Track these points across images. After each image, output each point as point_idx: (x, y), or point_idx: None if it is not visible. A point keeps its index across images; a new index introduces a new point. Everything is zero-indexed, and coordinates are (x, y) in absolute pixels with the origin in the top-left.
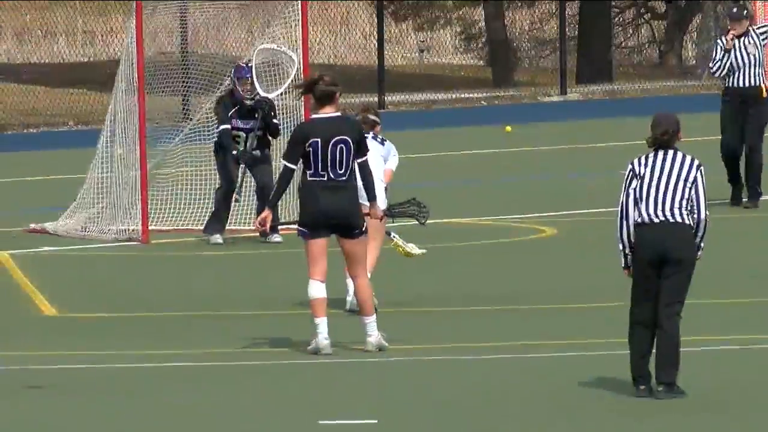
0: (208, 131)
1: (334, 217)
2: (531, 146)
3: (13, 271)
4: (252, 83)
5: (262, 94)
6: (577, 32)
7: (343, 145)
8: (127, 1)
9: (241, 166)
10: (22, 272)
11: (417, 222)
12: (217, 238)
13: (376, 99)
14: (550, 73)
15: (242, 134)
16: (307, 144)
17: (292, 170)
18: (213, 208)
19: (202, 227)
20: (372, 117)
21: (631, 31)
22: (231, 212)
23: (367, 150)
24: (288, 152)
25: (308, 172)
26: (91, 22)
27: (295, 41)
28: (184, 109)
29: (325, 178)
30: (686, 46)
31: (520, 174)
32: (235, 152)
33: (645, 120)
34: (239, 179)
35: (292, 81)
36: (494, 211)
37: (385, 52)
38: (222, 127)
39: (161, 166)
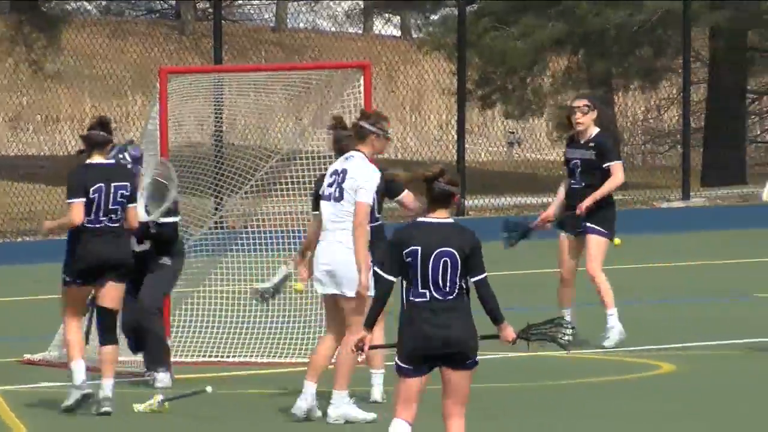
0: (245, 238)
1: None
2: (645, 262)
3: (3, 412)
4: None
5: (143, 215)
6: (703, 123)
7: (447, 259)
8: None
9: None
10: (15, 414)
11: (559, 346)
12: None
13: None
14: (669, 173)
15: None
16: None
17: (392, 284)
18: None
19: (230, 358)
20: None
21: None
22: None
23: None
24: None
25: (410, 290)
26: (103, 106)
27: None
28: (216, 210)
29: (428, 298)
30: None
31: (631, 297)
32: None
33: None
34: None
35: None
36: (599, 340)
37: (466, 145)
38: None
39: (190, 285)
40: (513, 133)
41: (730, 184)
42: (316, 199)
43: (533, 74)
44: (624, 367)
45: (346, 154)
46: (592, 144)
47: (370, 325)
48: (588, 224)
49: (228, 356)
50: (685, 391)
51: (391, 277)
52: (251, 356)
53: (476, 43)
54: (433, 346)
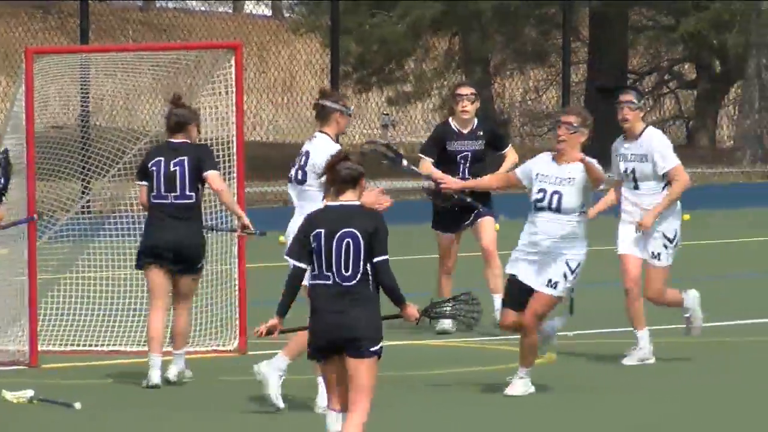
0: (114, 223)
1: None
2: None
3: None
4: None
5: None
6: (583, 104)
7: (350, 240)
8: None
9: None
10: None
11: (463, 325)
12: None
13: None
14: None
15: None
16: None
17: (302, 270)
18: None
19: (99, 347)
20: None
21: (651, 103)
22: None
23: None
24: (291, 247)
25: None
26: None
27: (225, 113)
28: (83, 194)
29: (331, 281)
30: (721, 123)
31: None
32: None
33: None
34: None
35: None
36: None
37: None
38: None
39: (58, 270)
40: (387, 115)
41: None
42: (142, 171)
43: (414, 58)
44: (512, 357)
45: (311, 136)
46: (481, 133)
47: (281, 312)
48: (481, 207)
49: (97, 345)
50: (563, 378)
51: (301, 264)
52: (121, 345)
53: (355, 28)
54: (332, 332)
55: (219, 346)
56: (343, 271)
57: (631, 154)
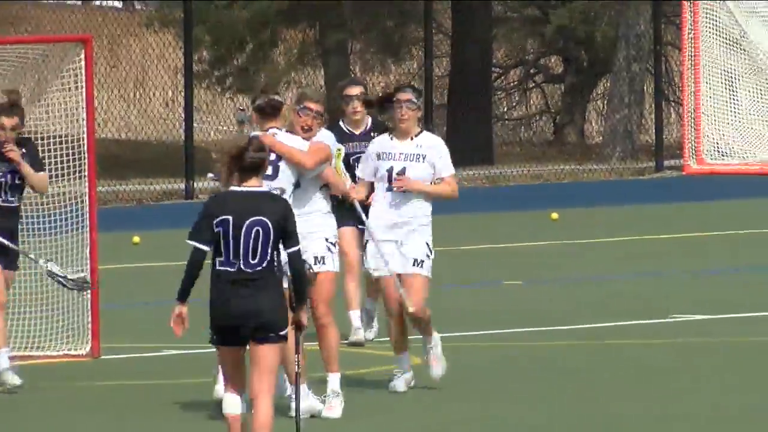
0: None
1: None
2: None
3: None
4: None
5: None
6: (446, 99)
7: (260, 228)
8: None
9: None
10: None
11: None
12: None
13: (182, 186)
14: None
15: None
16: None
17: (202, 252)
18: None
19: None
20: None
21: (517, 98)
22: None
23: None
24: (194, 230)
25: (217, 259)
26: None
27: (75, 109)
28: None
29: (235, 269)
30: (590, 118)
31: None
32: None
33: (535, 214)
34: None
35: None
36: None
37: (194, 124)
38: None
39: None
40: (243, 110)
41: (476, 165)
42: None
43: (265, 49)
44: (376, 359)
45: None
46: (374, 134)
47: (182, 298)
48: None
49: None
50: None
51: (204, 247)
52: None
53: (205, 18)
54: (239, 318)
55: (70, 350)
56: (250, 259)
57: (400, 153)
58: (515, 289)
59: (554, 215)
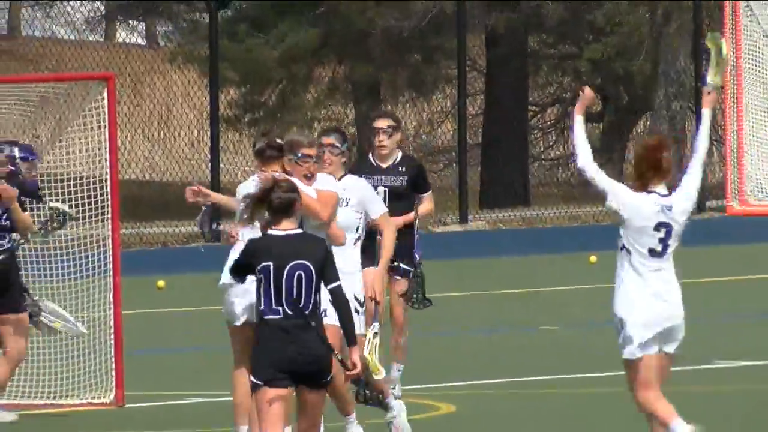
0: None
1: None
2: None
3: None
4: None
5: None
6: (480, 138)
7: (302, 272)
8: None
9: None
10: None
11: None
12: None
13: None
14: (444, 194)
15: None
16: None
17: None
18: None
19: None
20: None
21: (554, 138)
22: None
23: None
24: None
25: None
26: None
27: (97, 149)
28: None
29: (281, 315)
30: (629, 158)
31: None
32: None
33: (575, 256)
34: None
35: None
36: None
37: (221, 165)
38: None
39: None
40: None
41: (512, 206)
42: None
43: (294, 87)
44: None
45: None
46: (403, 169)
47: None
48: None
49: None
50: None
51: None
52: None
53: (230, 55)
54: (291, 364)
55: (94, 399)
56: (297, 304)
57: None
58: (551, 334)
59: (593, 258)
